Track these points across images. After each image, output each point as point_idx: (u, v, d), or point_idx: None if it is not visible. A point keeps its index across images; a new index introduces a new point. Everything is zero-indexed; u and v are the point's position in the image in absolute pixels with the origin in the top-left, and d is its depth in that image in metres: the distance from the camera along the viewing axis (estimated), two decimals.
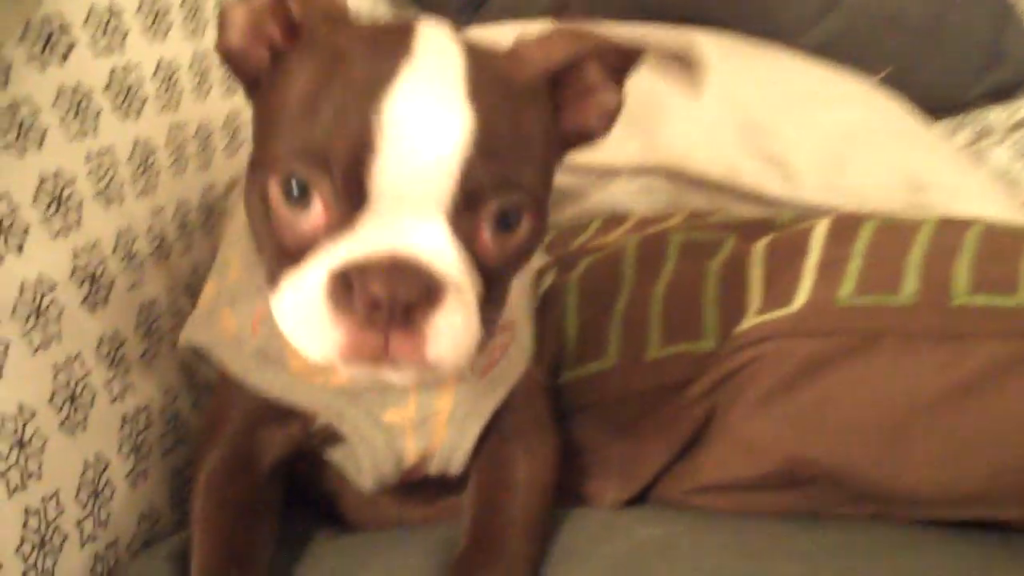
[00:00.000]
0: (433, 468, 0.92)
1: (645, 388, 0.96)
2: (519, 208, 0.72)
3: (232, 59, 0.79)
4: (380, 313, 0.66)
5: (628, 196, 1.34)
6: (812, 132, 1.37)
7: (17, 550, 0.89)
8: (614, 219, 1.29)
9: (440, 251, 0.68)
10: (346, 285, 0.66)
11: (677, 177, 1.32)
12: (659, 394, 0.95)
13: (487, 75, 0.71)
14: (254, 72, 0.79)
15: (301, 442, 0.92)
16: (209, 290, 0.99)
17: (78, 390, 1.00)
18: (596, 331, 1.03)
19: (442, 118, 0.67)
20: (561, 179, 1.35)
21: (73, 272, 1.03)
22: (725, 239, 1.08)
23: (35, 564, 0.91)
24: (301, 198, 0.69)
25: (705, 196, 1.31)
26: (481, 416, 0.89)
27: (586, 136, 0.82)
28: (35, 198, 1.00)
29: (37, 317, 0.97)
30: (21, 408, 0.93)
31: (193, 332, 0.97)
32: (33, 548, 0.91)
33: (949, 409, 0.81)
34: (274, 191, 0.70)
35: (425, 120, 0.66)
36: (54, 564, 0.93)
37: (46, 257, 1.00)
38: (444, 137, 0.67)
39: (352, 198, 0.67)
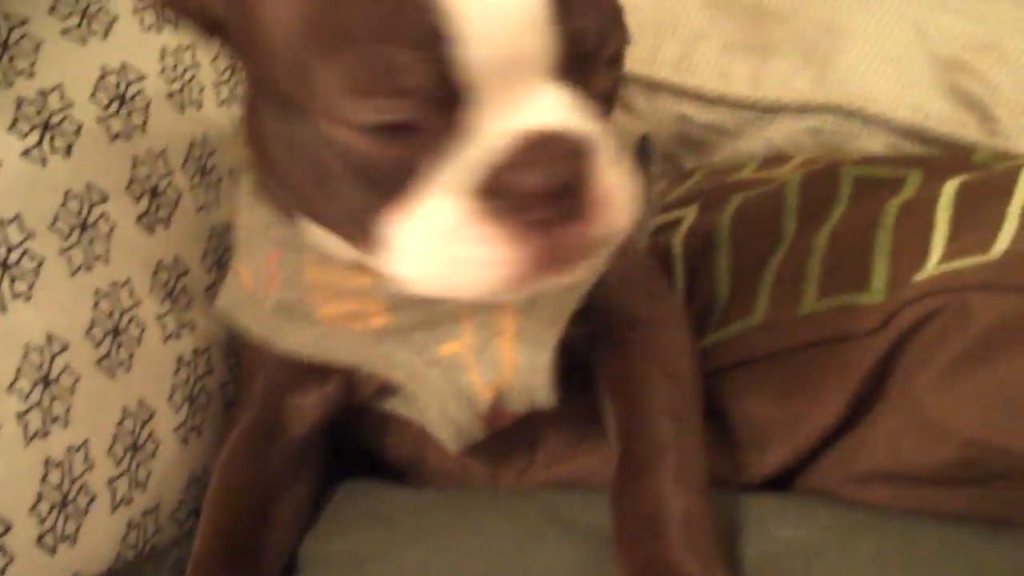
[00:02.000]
0: (517, 403, 0.77)
1: (797, 344, 0.84)
2: (622, 38, 0.64)
3: None
4: (543, 209, 0.58)
5: (792, 138, 1.20)
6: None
7: (32, 508, 0.77)
8: (776, 158, 1.15)
9: (569, 112, 0.60)
10: (493, 195, 0.58)
11: (852, 117, 1.17)
12: (815, 352, 0.83)
13: None
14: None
15: (342, 400, 0.83)
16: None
17: (123, 322, 0.87)
18: (747, 288, 0.91)
19: None
20: (712, 115, 1.24)
21: (130, 184, 0.90)
22: (908, 175, 0.95)
23: (53, 527, 0.78)
24: (384, 119, 0.58)
25: (884, 141, 1.17)
26: (557, 322, 0.76)
27: None
28: (93, 94, 0.88)
29: (81, 231, 0.84)
30: (50, 338, 0.80)
31: (222, 296, 0.86)
32: (52, 507, 0.78)
33: None
34: (342, 131, 0.59)
35: None
36: (77, 528, 0.80)
37: (99, 162, 0.87)
38: None
39: (448, 94, 0.57)
